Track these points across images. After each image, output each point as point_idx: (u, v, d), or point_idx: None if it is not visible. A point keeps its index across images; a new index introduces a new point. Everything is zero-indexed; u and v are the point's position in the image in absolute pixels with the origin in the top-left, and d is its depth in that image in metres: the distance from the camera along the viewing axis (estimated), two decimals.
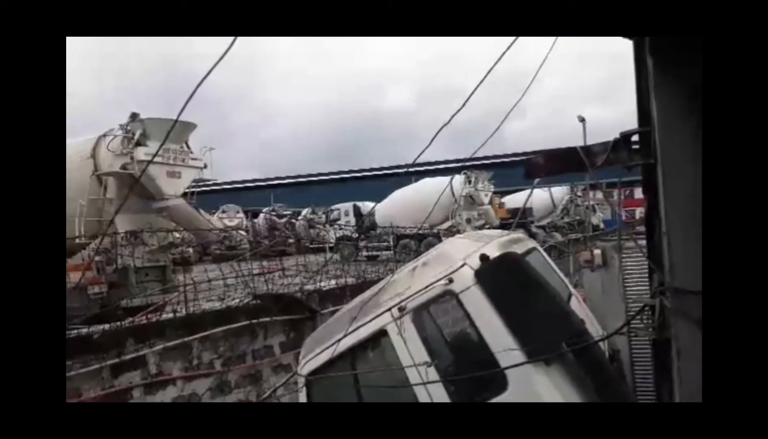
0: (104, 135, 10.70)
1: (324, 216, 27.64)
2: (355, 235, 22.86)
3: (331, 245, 20.80)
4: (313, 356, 4.21)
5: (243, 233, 21.19)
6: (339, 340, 4.02)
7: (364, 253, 20.98)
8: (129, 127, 10.28)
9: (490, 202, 22.95)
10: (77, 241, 9.70)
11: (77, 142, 11.16)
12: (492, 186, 23.13)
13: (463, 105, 2.50)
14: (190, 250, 13.86)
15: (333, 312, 7.26)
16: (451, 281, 3.59)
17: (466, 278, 3.54)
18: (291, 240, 22.27)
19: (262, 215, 29.86)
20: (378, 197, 25.81)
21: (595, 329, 4.02)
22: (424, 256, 4.61)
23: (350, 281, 10.30)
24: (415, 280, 3.97)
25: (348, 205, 26.46)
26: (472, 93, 2.46)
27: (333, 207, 27.48)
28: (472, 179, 21.85)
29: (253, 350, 7.44)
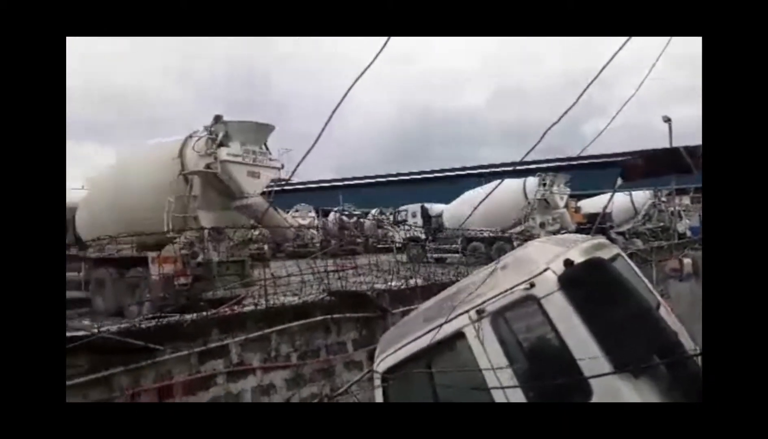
0: (191, 136, 11.33)
1: (392, 217, 27.82)
2: (423, 236, 22.78)
3: (398, 246, 20.86)
4: (389, 354, 4.26)
5: (314, 231, 21.77)
6: (416, 339, 4.05)
7: (432, 255, 20.87)
8: (213, 129, 10.84)
9: (566, 206, 22.10)
10: (167, 235, 10.40)
11: (167, 142, 11.90)
12: (568, 189, 22.24)
13: (573, 104, 2.46)
14: (266, 246, 14.45)
15: (403, 312, 7.31)
16: (532, 285, 3.53)
17: (549, 283, 3.46)
18: (360, 240, 22.62)
19: (332, 215, 30.57)
20: (445, 199, 25.62)
21: (687, 342, 3.78)
22: (504, 259, 4.54)
23: (419, 282, 10.29)
24: (494, 283, 3.92)
25: (416, 207, 26.46)
26: (582, 94, 2.42)
27: (401, 208, 27.60)
28: (547, 182, 21.14)
29: (326, 346, 7.64)
